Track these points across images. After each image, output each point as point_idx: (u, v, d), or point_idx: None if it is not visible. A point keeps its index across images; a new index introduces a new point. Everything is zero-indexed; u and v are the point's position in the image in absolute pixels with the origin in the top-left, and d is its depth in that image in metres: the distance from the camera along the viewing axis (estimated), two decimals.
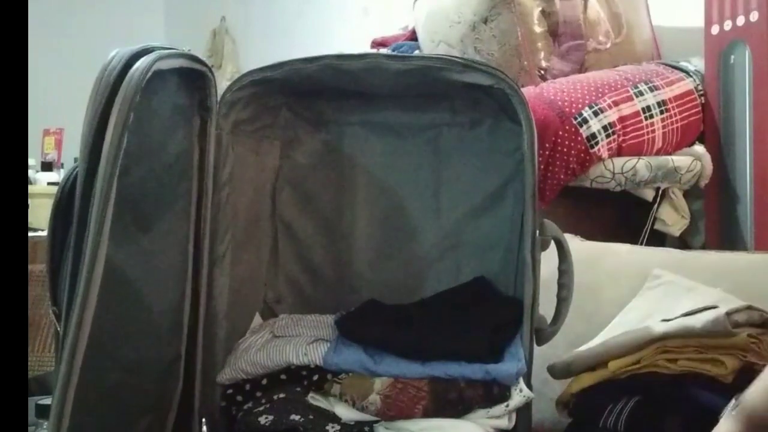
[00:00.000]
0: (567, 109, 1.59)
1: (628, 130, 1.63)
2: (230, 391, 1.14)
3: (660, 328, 1.06)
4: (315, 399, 1.08)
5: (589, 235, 1.52)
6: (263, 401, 1.10)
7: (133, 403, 1.04)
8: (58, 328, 0.89)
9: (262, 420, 1.07)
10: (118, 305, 0.95)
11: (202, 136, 1.17)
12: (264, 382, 1.12)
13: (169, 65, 1.01)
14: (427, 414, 1.05)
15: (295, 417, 1.05)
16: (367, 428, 1.04)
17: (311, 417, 1.05)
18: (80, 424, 0.86)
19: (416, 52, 1.87)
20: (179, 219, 1.14)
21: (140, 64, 0.91)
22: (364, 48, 2.12)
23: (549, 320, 1.12)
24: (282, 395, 1.09)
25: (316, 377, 1.10)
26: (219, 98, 1.19)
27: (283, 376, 1.11)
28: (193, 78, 1.13)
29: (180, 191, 1.14)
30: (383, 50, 2.00)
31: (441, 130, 1.30)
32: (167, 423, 1.13)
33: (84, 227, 0.86)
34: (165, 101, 1.06)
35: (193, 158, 1.17)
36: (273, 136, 1.32)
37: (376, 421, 1.06)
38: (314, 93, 1.29)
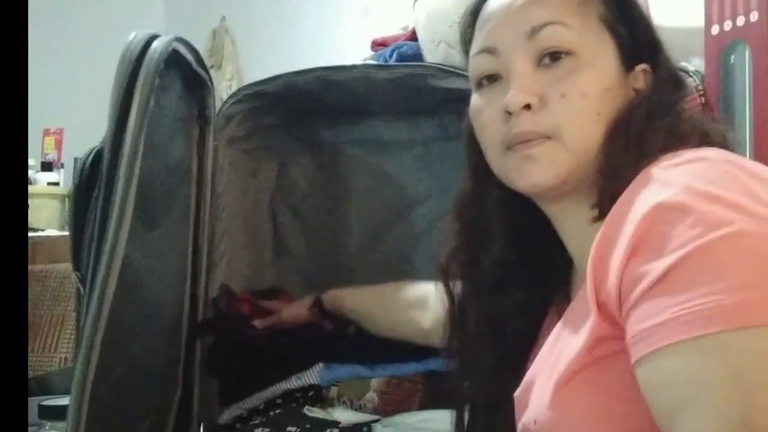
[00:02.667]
0: None
1: None
2: (229, 421, 1.14)
3: None
4: (311, 411, 1.08)
5: None
6: (259, 416, 1.10)
7: (136, 402, 1.04)
8: (82, 291, 0.91)
9: None
10: (128, 299, 0.96)
11: (201, 146, 1.19)
12: (261, 407, 1.12)
13: (184, 51, 1.05)
14: (424, 406, 1.06)
15: (292, 428, 1.06)
16: (365, 428, 1.05)
17: (308, 426, 1.05)
18: (92, 413, 0.87)
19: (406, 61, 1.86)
20: (179, 224, 1.15)
21: (160, 40, 0.96)
22: (364, 48, 2.12)
23: None
24: (278, 410, 1.10)
25: (311, 393, 1.10)
26: (217, 109, 1.21)
27: (279, 401, 1.11)
28: (195, 84, 1.14)
29: (179, 197, 1.15)
30: (383, 50, 2.00)
31: (430, 145, 1.31)
32: (167, 427, 1.14)
33: (111, 191, 0.89)
34: (170, 102, 1.07)
35: (192, 166, 1.18)
36: (269, 157, 1.34)
37: (375, 420, 1.06)
38: (308, 111, 1.31)
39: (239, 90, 1.23)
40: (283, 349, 1.11)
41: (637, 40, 0.79)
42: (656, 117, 0.73)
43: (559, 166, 0.74)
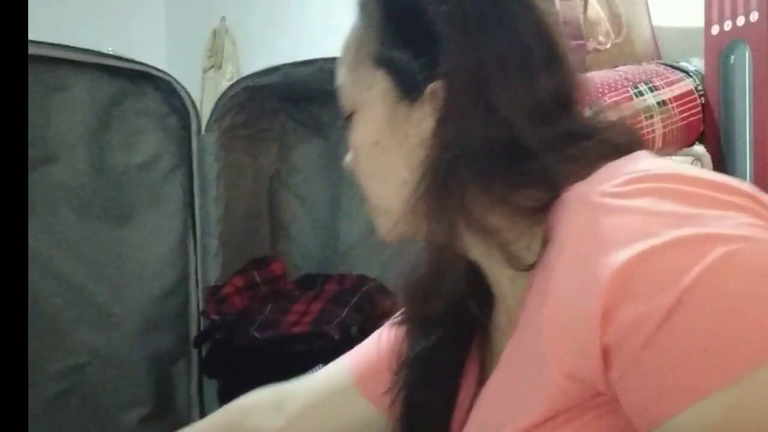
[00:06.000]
0: None
1: None
2: None
3: None
4: None
5: None
6: None
7: (117, 392, 1.05)
8: None
9: None
10: (76, 291, 0.96)
11: (182, 140, 1.19)
12: None
13: None
14: None
15: None
16: None
17: None
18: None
19: None
20: (168, 216, 1.16)
21: None
22: None
23: None
24: None
25: None
26: (215, 102, 1.22)
27: None
28: (160, 84, 1.15)
29: (161, 190, 1.15)
30: None
31: None
32: (166, 417, 1.14)
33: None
34: (127, 104, 1.08)
35: (173, 160, 1.18)
36: (270, 140, 1.34)
37: None
38: (310, 97, 1.30)
39: (237, 82, 1.22)
40: (285, 352, 1.10)
41: (424, 54, 0.61)
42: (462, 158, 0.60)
43: (383, 227, 0.71)
